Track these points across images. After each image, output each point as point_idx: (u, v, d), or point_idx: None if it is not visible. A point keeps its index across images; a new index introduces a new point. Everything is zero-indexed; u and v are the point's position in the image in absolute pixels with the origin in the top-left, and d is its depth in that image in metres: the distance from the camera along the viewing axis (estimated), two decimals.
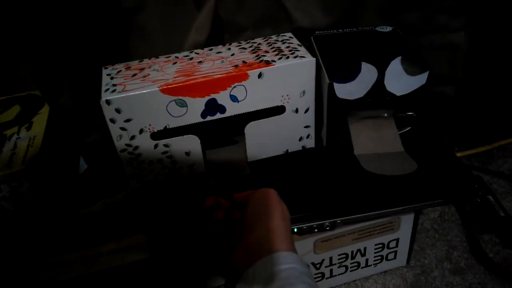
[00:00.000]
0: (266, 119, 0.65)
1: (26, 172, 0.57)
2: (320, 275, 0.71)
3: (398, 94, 0.65)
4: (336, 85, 0.62)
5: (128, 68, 0.62)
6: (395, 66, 0.63)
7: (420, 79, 0.63)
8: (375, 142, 0.67)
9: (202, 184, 0.65)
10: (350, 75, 0.63)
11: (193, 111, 0.60)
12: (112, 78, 0.60)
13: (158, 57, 0.65)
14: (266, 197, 0.49)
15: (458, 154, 0.93)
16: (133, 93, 0.56)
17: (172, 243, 0.57)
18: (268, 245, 0.43)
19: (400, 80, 0.64)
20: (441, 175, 0.63)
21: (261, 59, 0.62)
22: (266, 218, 0.46)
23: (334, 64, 0.64)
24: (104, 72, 0.62)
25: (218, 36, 0.75)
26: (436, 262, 0.77)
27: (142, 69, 0.62)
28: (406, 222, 0.70)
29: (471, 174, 0.63)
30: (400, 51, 0.64)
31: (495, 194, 0.83)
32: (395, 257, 0.75)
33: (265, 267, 0.41)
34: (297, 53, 0.63)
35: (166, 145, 0.62)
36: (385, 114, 0.69)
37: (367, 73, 0.63)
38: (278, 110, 0.64)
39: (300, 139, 0.69)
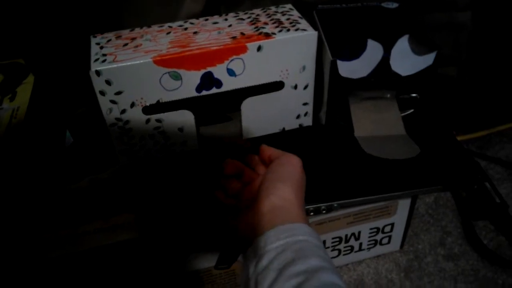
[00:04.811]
0: (263, 95, 0.62)
1: (9, 144, 0.54)
2: None
3: (403, 74, 0.62)
4: (339, 62, 0.60)
5: (118, 37, 0.59)
6: (402, 45, 0.61)
7: (427, 60, 0.61)
8: (376, 124, 0.65)
9: (194, 162, 0.63)
10: (354, 52, 0.61)
11: (188, 84, 0.57)
12: (101, 48, 0.57)
13: (151, 26, 0.61)
14: (290, 164, 0.47)
15: None
16: (125, 64, 0.53)
17: (162, 223, 0.55)
18: (284, 214, 0.42)
19: (406, 60, 0.62)
20: (443, 160, 0.61)
21: (260, 31, 0.58)
22: (283, 187, 0.44)
23: (338, 41, 0.61)
24: (93, 41, 0.59)
25: (213, 7, 0.72)
26: (429, 247, 0.76)
27: (133, 39, 0.58)
28: (403, 207, 0.69)
29: (473, 160, 0.61)
30: (407, 29, 0.62)
31: (492, 180, 0.82)
32: (389, 242, 0.74)
33: (278, 236, 0.39)
34: (298, 25, 0.60)
35: (158, 120, 0.59)
36: (388, 95, 0.66)
37: (372, 51, 0.61)
38: (277, 85, 0.62)
39: (298, 116, 0.67)
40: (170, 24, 0.62)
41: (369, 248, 0.74)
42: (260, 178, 0.48)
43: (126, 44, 0.57)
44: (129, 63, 0.53)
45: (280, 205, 0.42)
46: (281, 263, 0.37)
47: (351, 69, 0.62)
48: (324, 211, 0.58)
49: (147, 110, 0.58)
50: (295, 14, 0.63)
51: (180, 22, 0.62)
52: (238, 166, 0.51)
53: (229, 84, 0.59)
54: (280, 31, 0.58)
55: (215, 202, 0.51)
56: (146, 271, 0.61)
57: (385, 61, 0.62)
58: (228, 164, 0.51)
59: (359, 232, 0.70)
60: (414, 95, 0.67)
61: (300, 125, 0.68)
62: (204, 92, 0.58)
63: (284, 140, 0.67)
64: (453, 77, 0.81)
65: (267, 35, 0.57)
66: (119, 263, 0.58)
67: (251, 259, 0.40)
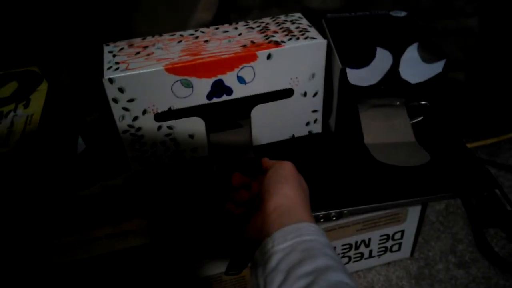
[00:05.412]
0: (273, 102, 0.62)
1: (23, 151, 0.55)
2: None
3: (412, 82, 0.63)
4: (349, 70, 0.60)
5: (131, 45, 0.60)
6: (411, 53, 0.61)
7: (436, 67, 0.61)
8: (386, 131, 0.65)
9: (205, 168, 0.63)
10: (363, 60, 0.61)
11: (199, 92, 0.58)
12: (114, 56, 0.57)
13: (162, 35, 0.62)
14: (283, 167, 0.47)
15: None
16: (137, 72, 0.54)
17: (173, 229, 0.55)
18: (289, 213, 0.42)
19: (415, 68, 0.62)
20: (453, 167, 0.61)
21: (270, 39, 0.59)
22: (283, 187, 0.45)
23: (347, 49, 0.62)
24: (106, 49, 0.60)
25: (224, 16, 0.72)
26: (440, 255, 0.76)
27: (145, 47, 0.59)
28: (413, 214, 0.68)
29: (483, 168, 0.61)
30: (415, 37, 0.62)
31: (502, 187, 0.81)
32: (399, 249, 0.73)
33: (285, 237, 0.39)
34: (307, 34, 0.60)
35: (169, 127, 0.60)
36: (397, 103, 0.67)
37: (382, 59, 0.61)
38: (286, 93, 0.62)
39: (307, 123, 0.67)
40: (181, 32, 0.63)
41: (379, 255, 0.73)
42: None
43: (138, 53, 0.58)
44: (141, 71, 0.54)
45: (283, 203, 0.43)
46: (289, 264, 0.37)
47: (360, 77, 0.62)
48: (334, 218, 0.58)
49: (159, 117, 0.58)
50: (304, 22, 0.64)
51: (191, 31, 0.63)
52: (244, 178, 0.52)
53: (239, 91, 0.59)
54: (290, 39, 0.59)
55: (226, 214, 0.51)
56: (156, 277, 0.61)
57: (394, 69, 0.62)
58: (235, 176, 0.52)
59: (369, 239, 0.70)
60: (423, 102, 0.67)
61: (309, 132, 0.68)
62: (215, 100, 0.59)
63: (294, 147, 0.67)
64: (462, 82, 0.81)
65: (277, 44, 0.58)
66: (129, 269, 0.58)
67: (260, 261, 0.40)
